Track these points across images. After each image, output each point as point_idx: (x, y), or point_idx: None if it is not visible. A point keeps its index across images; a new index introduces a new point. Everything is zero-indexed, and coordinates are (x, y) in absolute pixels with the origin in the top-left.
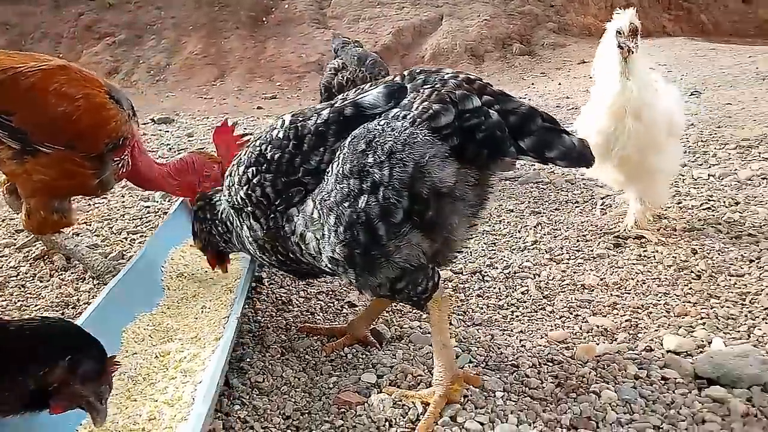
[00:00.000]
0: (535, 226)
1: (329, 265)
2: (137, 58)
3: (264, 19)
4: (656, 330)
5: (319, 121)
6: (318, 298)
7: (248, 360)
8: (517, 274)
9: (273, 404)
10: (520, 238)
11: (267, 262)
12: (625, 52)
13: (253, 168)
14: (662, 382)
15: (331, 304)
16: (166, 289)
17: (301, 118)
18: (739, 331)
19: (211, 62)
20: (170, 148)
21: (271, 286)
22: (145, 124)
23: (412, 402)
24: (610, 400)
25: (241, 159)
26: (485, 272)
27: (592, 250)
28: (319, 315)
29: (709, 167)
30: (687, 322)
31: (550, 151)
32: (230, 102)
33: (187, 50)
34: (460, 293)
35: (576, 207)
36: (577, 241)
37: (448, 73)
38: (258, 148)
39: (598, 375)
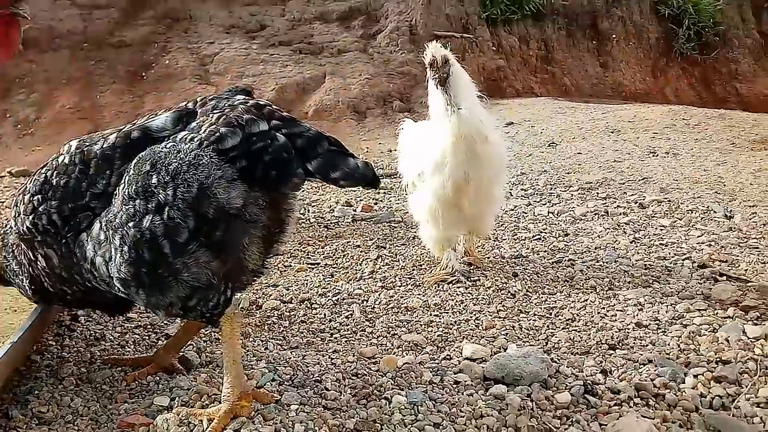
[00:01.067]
0: (375, 259)
1: (122, 288)
2: (3, 111)
3: (144, 74)
4: (461, 342)
5: (105, 145)
6: (134, 332)
7: (36, 392)
8: (345, 301)
9: None
10: (358, 270)
11: (68, 297)
12: (436, 83)
13: (39, 196)
14: (454, 385)
15: (147, 337)
16: None
17: (87, 143)
18: (537, 340)
19: (84, 116)
20: None
21: (88, 323)
22: (2, 176)
23: (199, 420)
24: (399, 405)
25: (26, 188)
26: (314, 300)
27: (422, 277)
28: (131, 347)
29: (552, 206)
30: (491, 334)
31: (334, 172)
32: None
33: (59, 104)
34: (284, 321)
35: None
36: (412, 269)
37: (238, 99)
38: (43, 175)
39: (395, 383)
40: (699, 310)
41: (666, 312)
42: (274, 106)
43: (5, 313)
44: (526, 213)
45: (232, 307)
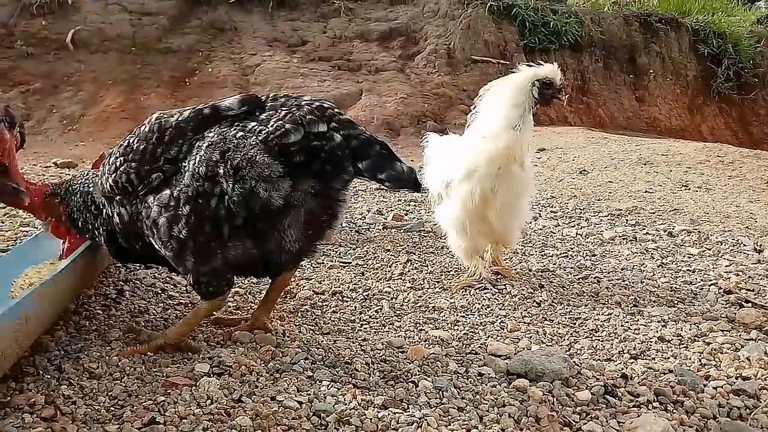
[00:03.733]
0: (405, 263)
1: (171, 243)
2: (51, 107)
3: (187, 80)
4: (486, 340)
5: (180, 118)
6: (176, 308)
7: (86, 352)
8: (374, 296)
9: (102, 386)
10: (388, 271)
11: (134, 252)
12: (541, 101)
13: (122, 158)
14: (478, 377)
15: (186, 314)
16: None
17: (165, 116)
18: (561, 345)
19: (127, 116)
20: None
21: (132, 297)
22: (47, 167)
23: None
24: (426, 388)
25: (113, 151)
26: (346, 294)
27: (450, 282)
28: (172, 321)
29: (580, 228)
30: (515, 336)
31: (381, 173)
32: None
33: (104, 103)
34: (317, 310)
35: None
36: (440, 274)
37: (305, 100)
38: (127, 141)
39: (422, 371)
40: (722, 330)
41: (689, 329)
42: (336, 109)
43: None
44: (554, 233)
45: (222, 299)
